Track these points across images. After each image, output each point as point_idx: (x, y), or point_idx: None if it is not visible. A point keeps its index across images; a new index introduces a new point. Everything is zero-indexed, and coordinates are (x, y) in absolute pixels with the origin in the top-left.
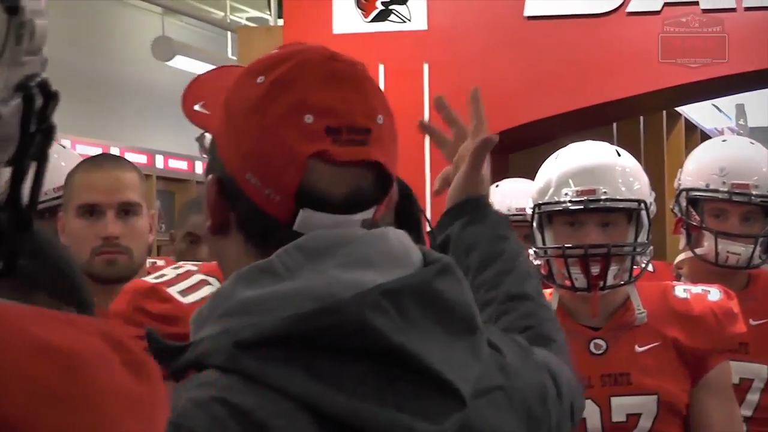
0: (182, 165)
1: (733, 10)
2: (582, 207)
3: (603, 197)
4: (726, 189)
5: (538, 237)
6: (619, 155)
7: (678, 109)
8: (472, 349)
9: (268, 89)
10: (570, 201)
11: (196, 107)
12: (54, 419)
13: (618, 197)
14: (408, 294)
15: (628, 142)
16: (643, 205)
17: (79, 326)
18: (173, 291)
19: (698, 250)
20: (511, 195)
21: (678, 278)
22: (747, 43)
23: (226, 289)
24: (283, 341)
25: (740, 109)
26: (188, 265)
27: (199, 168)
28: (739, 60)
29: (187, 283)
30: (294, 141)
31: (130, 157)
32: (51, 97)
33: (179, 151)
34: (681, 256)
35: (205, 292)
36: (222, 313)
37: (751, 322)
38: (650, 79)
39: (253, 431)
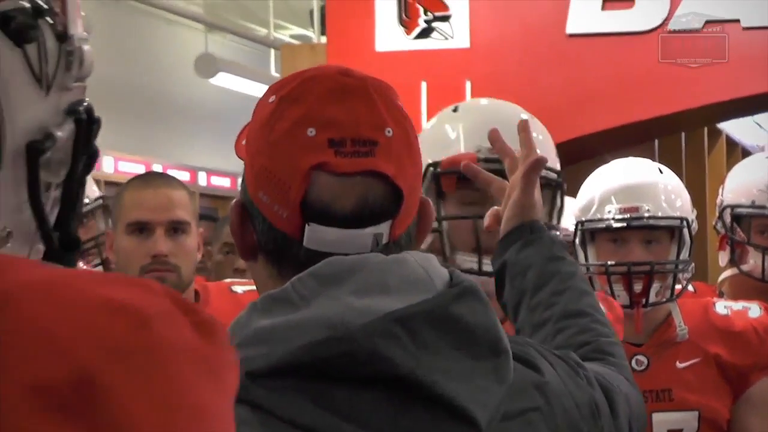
0: (225, 182)
1: None
2: (625, 225)
3: (646, 215)
4: None
5: (581, 254)
6: (661, 172)
7: (719, 125)
8: (495, 372)
9: (276, 106)
10: (613, 219)
11: (243, 142)
12: (127, 372)
13: (661, 215)
14: (422, 320)
15: (669, 159)
16: (685, 222)
17: (149, 288)
18: None
19: (744, 267)
20: None
21: (721, 297)
22: None
23: (243, 319)
24: (294, 371)
25: None
26: None
27: None
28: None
29: None
30: (296, 154)
31: (174, 174)
32: (95, 122)
33: (222, 167)
34: (724, 274)
35: None
36: (239, 342)
37: None
38: (692, 96)
39: None
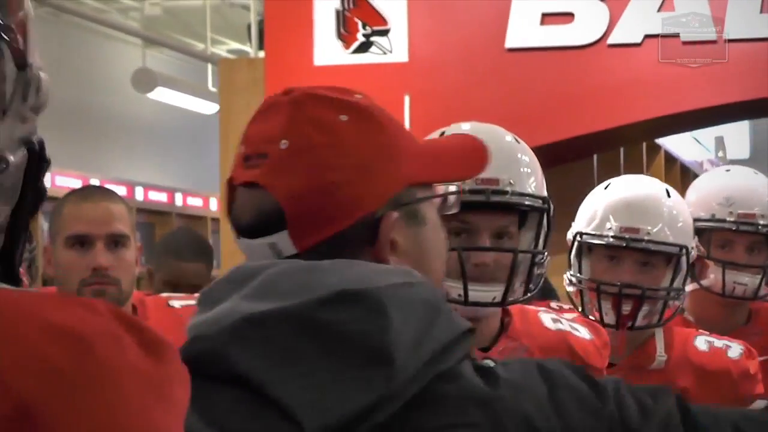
0: (162, 197)
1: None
2: (624, 245)
3: (646, 238)
4: (733, 219)
5: (575, 264)
6: (669, 195)
7: (658, 141)
8: (366, 380)
9: None
10: (613, 237)
11: None
12: (68, 401)
13: (661, 240)
14: (279, 322)
15: (608, 174)
16: (684, 250)
17: (93, 309)
18: None
19: (704, 282)
20: None
21: (681, 312)
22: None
23: None
24: None
25: (719, 142)
26: None
27: (179, 200)
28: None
29: None
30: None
31: (111, 188)
32: (46, 160)
33: (160, 182)
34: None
35: None
36: None
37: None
38: (632, 111)
39: None
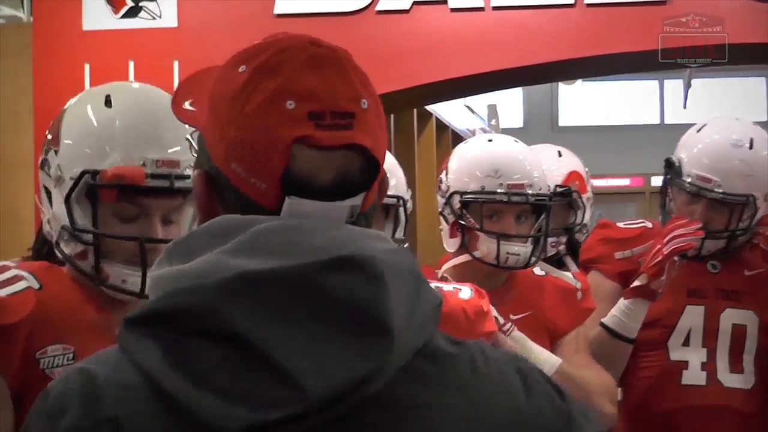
0: None
1: (482, 9)
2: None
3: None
4: (503, 191)
5: None
6: None
7: (429, 108)
8: (361, 349)
9: (250, 77)
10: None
11: (186, 105)
12: None
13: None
14: (279, 284)
15: None
16: (401, 201)
17: None
18: None
19: (476, 253)
20: None
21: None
22: (500, 41)
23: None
24: (155, 319)
25: (492, 110)
26: (8, 262)
27: None
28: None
29: (1, 277)
30: (276, 127)
31: None
32: None
33: None
34: (447, 266)
35: (19, 287)
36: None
37: (512, 317)
38: (400, 77)
39: (88, 398)
